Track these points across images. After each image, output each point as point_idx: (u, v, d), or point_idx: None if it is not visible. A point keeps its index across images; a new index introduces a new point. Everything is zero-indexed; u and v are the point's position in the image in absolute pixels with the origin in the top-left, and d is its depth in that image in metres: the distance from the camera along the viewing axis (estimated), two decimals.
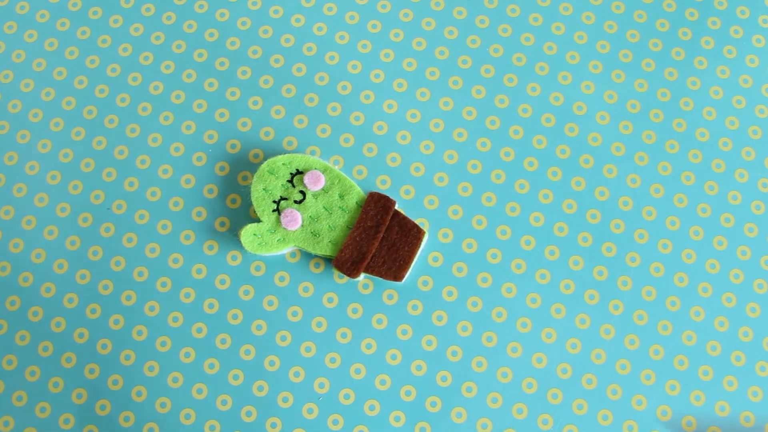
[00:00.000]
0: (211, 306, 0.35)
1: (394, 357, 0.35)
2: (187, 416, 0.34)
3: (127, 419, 0.34)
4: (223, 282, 0.35)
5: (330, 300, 0.35)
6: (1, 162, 0.37)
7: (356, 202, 0.35)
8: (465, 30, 0.39)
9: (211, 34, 0.39)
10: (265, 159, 0.36)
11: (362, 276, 0.35)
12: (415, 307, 0.35)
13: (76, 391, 0.34)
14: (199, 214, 0.36)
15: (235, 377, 0.34)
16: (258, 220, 0.35)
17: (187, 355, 0.35)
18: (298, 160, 0.35)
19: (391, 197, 0.35)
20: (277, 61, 0.38)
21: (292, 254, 0.36)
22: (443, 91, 0.38)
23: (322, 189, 0.35)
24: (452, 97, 0.38)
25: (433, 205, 0.36)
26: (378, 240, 0.34)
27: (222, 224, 0.36)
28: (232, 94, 0.38)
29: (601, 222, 0.36)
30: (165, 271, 0.35)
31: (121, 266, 0.36)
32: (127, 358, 0.35)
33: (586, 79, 0.38)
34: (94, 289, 0.35)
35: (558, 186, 0.37)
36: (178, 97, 0.38)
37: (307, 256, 0.36)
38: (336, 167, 0.36)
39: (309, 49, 0.38)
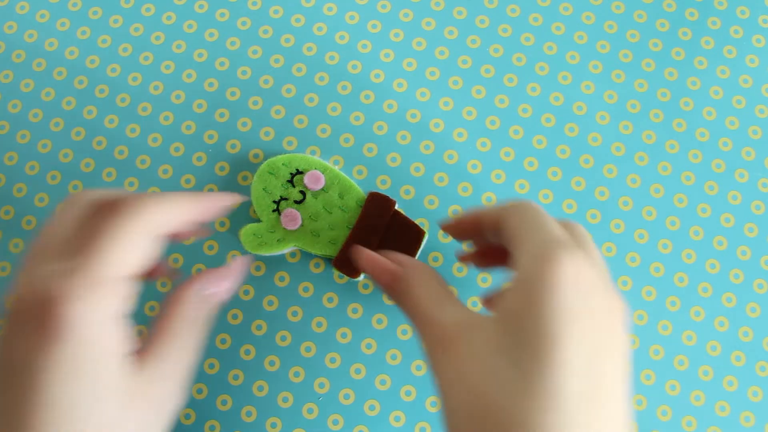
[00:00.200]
0: None
1: (394, 357, 0.35)
2: (187, 416, 0.34)
3: None
4: None
5: (330, 300, 0.35)
6: (1, 162, 0.37)
7: (356, 202, 0.35)
8: (465, 30, 0.39)
9: (211, 34, 0.39)
10: (265, 159, 0.36)
11: (362, 276, 0.35)
12: None
13: None
14: None
15: (235, 377, 0.34)
16: (258, 220, 0.35)
17: None
18: (298, 160, 0.35)
19: (391, 197, 0.35)
20: (277, 61, 0.38)
21: (292, 254, 0.36)
22: (443, 91, 0.38)
23: (322, 189, 0.35)
24: (452, 97, 0.38)
25: (433, 205, 0.36)
26: (378, 240, 0.34)
27: (222, 224, 0.36)
28: (232, 94, 0.38)
29: (601, 222, 0.36)
30: None
31: None
32: None
33: (586, 79, 0.38)
34: None
35: (558, 186, 0.37)
36: (178, 97, 0.38)
37: (307, 256, 0.36)
38: (336, 167, 0.36)
39: (309, 49, 0.38)
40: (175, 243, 0.36)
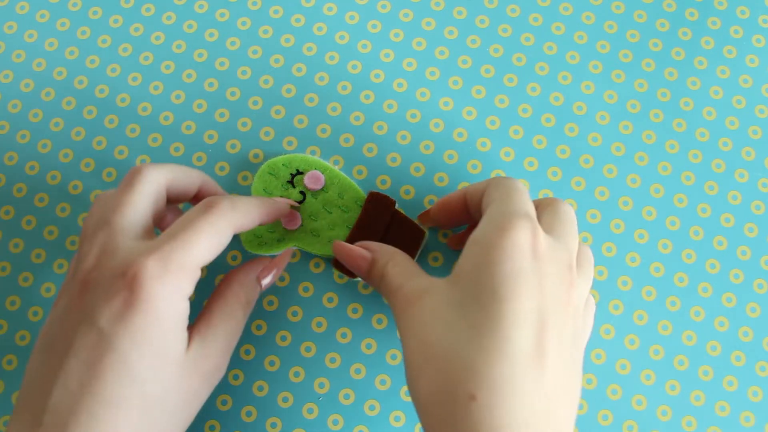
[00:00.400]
0: None
1: (394, 357, 0.35)
2: None
3: None
4: None
5: (330, 300, 0.35)
6: (1, 162, 0.37)
7: (356, 202, 0.35)
8: (465, 30, 0.39)
9: (211, 34, 0.39)
10: (265, 159, 0.36)
11: None
12: None
13: None
14: None
15: (235, 377, 0.34)
16: None
17: None
18: (298, 161, 0.35)
19: (391, 197, 0.35)
20: (277, 61, 0.38)
21: (292, 254, 0.36)
22: (443, 91, 0.38)
23: (322, 189, 0.35)
24: (452, 97, 0.38)
25: None
26: (378, 240, 0.34)
27: None
28: (232, 94, 0.38)
29: (601, 222, 0.36)
30: None
31: None
32: None
33: (586, 79, 0.38)
34: None
35: (558, 186, 0.37)
36: (178, 97, 0.38)
37: (307, 256, 0.36)
38: (336, 167, 0.36)
39: (309, 49, 0.38)
40: None
